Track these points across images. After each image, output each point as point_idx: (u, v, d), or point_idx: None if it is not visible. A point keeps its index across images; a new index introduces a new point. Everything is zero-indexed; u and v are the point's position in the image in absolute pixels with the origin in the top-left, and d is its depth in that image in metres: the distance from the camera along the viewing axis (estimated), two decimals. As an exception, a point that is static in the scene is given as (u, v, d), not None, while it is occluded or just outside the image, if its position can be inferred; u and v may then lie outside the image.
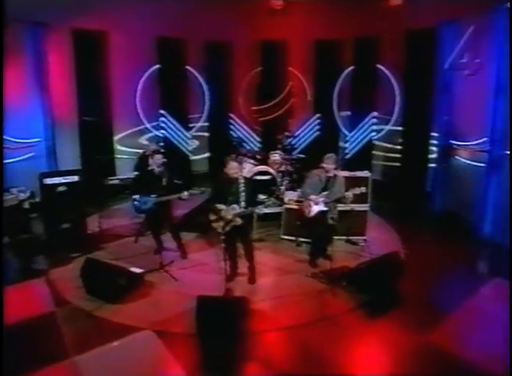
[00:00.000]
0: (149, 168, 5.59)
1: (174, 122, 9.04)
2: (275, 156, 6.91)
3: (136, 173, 6.13)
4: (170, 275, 5.18)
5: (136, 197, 5.51)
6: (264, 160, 7.11)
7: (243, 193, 4.81)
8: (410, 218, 7.08)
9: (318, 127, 9.55)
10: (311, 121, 9.58)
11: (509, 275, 4.92)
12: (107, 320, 4.35)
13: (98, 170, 6.96)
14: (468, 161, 6.69)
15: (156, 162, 5.52)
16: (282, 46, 9.27)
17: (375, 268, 4.82)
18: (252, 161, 7.11)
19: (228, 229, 4.83)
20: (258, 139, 9.95)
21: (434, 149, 7.50)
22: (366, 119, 8.63)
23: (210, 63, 9.16)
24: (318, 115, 9.50)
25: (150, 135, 9.06)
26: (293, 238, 6.18)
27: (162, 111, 8.85)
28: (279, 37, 9.09)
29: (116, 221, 7.02)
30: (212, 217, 4.90)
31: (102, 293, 4.68)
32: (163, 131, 8.98)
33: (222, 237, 4.85)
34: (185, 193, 5.36)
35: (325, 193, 5.19)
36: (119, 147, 8.60)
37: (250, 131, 9.94)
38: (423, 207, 7.36)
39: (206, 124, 9.64)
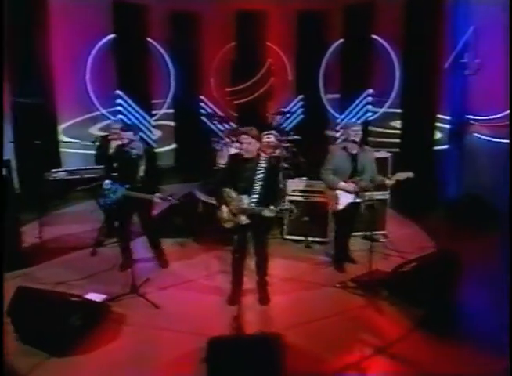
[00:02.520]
0: (125, 148, 4.21)
1: (134, 105, 7.51)
2: (270, 137, 5.65)
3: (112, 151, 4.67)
4: (147, 300, 3.75)
5: (107, 182, 4.14)
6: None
7: (259, 182, 3.48)
8: (425, 208, 6.10)
9: (302, 109, 8.41)
10: (294, 103, 8.42)
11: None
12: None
13: (37, 161, 5.30)
14: (489, 138, 5.84)
15: (127, 143, 4.16)
16: (259, 18, 8.00)
17: (424, 271, 3.72)
18: (238, 145, 5.78)
19: (231, 225, 3.53)
20: (233, 125, 8.63)
21: (445, 127, 6.60)
22: (360, 97, 7.59)
23: (175, 36, 7.72)
24: (301, 96, 8.37)
25: (105, 123, 7.46)
26: (300, 238, 4.99)
27: (118, 92, 7.29)
28: (256, 8, 7.83)
29: (64, 228, 5.44)
30: (216, 204, 3.61)
31: (45, 341, 3.11)
32: (120, 116, 7.41)
33: (235, 237, 3.59)
34: (157, 195, 4.01)
35: (357, 178, 4.02)
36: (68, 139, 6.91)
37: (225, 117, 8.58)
38: (436, 195, 6.41)
39: (171, 111, 8.19)
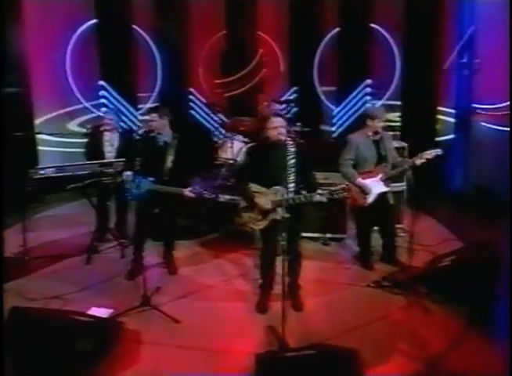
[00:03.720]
0: (151, 134, 3.78)
1: (119, 98, 6.92)
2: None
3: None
4: (164, 314, 3.28)
5: (128, 174, 3.68)
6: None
7: (292, 169, 3.09)
8: (435, 200, 5.89)
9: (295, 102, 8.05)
10: (287, 95, 8.05)
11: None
12: None
13: (17, 157, 4.66)
14: (497, 127, 5.70)
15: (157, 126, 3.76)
16: (250, 6, 7.55)
17: (465, 265, 3.48)
18: (240, 138, 5.38)
19: (265, 224, 3.12)
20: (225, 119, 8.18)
21: (447, 119, 6.46)
22: (359, 88, 7.33)
23: (161, 24, 7.16)
24: (294, 88, 8.01)
25: (87, 117, 6.85)
26: (315, 235, 4.65)
27: (102, 83, 6.69)
28: (246, -5, 7.40)
29: (47, 234, 4.90)
30: (242, 204, 3.17)
31: (51, 373, 2.59)
32: (104, 109, 6.81)
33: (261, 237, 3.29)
34: (189, 188, 3.56)
35: (382, 165, 3.73)
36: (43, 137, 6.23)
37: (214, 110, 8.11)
38: (442, 187, 6.25)
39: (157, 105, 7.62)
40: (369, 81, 7.26)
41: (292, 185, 3.12)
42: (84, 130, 5.01)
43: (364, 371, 2.38)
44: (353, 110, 7.48)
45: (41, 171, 3.95)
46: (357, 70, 7.29)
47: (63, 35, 6.29)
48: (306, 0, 7.42)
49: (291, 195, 3.09)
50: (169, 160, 3.75)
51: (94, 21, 6.41)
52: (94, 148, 4.56)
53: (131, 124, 7.21)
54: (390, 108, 7.15)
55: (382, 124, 3.84)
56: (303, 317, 3.29)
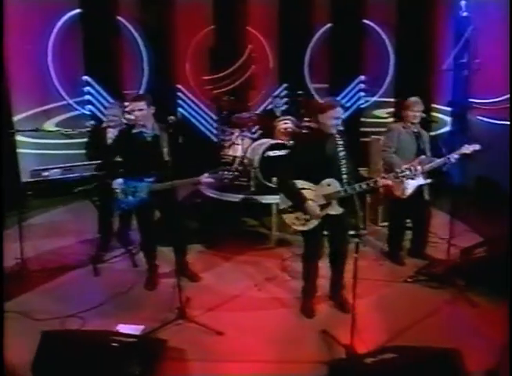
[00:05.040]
0: (134, 130, 3.31)
1: (105, 94, 6.46)
2: (287, 123, 5.09)
3: (112, 141, 3.75)
4: (203, 326, 2.99)
5: (119, 181, 3.20)
6: (267, 131, 5.20)
7: (343, 161, 2.91)
8: (438, 193, 5.95)
9: (286, 99, 7.90)
10: (278, 92, 7.88)
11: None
12: None
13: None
14: (493, 121, 5.84)
15: (140, 117, 3.27)
16: (239, 0, 7.33)
17: (499, 256, 3.48)
18: (249, 135, 5.14)
19: (315, 224, 2.92)
20: (214, 116, 7.88)
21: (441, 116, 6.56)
22: (352, 85, 7.29)
23: (147, 16, 6.76)
24: (285, 85, 7.86)
25: (68, 115, 6.33)
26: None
27: (87, 78, 6.20)
28: (235, -12, 7.16)
29: (41, 244, 4.42)
30: (285, 204, 2.94)
31: None
32: (90, 106, 6.33)
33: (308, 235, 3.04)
34: (206, 174, 3.24)
35: (421, 157, 3.65)
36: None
37: (204, 108, 7.80)
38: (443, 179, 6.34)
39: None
40: (362, 78, 7.26)
41: (345, 176, 2.97)
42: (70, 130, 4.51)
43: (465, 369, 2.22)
44: (346, 106, 7.43)
45: (45, 173, 3.51)
46: (349, 67, 7.26)
47: (45, 25, 5.75)
48: (297, -4, 7.31)
49: (348, 187, 2.94)
50: (165, 153, 3.31)
51: (77, 11, 5.90)
52: (97, 147, 4.14)
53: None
54: (385, 104, 7.27)
55: (418, 114, 3.75)
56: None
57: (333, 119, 2.92)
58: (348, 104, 7.43)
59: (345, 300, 3.24)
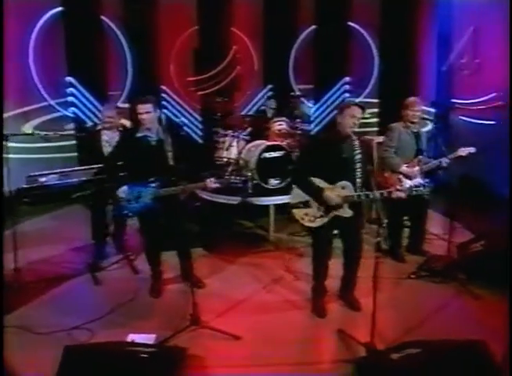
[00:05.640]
0: (138, 134, 3.20)
1: (89, 96, 6.25)
2: (282, 124, 5.08)
3: (115, 146, 3.62)
4: (219, 331, 2.93)
5: (124, 189, 3.12)
6: (259, 132, 5.16)
7: (358, 164, 2.93)
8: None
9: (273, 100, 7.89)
10: (263, 93, 7.88)
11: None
12: None
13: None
14: (475, 120, 6.09)
15: (146, 120, 3.19)
16: (223, 1, 7.27)
17: (495, 249, 3.65)
18: (242, 136, 5.07)
19: (324, 222, 2.92)
20: (199, 118, 7.78)
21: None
22: (337, 86, 7.39)
23: (130, 17, 6.59)
24: (270, 86, 7.87)
25: (45, 118, 6.08)
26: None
27: (70, 79, 5.97)
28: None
29: (34, 251, 4.22)
30: (296, 199, 2.94)
31: None
32: (73, 108, 6.10)
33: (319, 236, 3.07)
34: (212, 179, 3.19)
35: (420, 157, 3.73)
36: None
37: (189, 109, 7.68)
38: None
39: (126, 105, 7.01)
40: (347, 79, 7.37)
41: (359, 180, 2.99)
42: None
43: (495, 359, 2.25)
44: (331, 107, 7.53)
45: (42, 179, 3.33)
46: (334, 68, 7.36)
47: (25, 24, 5.49)
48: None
49: (359, 191, 2.96)
50: (169, 157, 3.25)
51: (59, 9, 5.68)
52: (91, 150, 3.98)
53: (101, 124, 6.54)
54: (369, 104, 7.39)
55: (418, 113, 3.83)
56: (364, 317, 3.14)
57: (351, 118, 2.93)
58: (334, 105, 7.54)
59: (355, 298, 3.27)
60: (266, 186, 4.69)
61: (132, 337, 2.82)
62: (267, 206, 4.67)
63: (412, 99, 3.94)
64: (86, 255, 4.20)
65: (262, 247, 4.51)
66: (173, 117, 7.50)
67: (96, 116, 6.43)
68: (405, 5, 6.53)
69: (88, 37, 6.03)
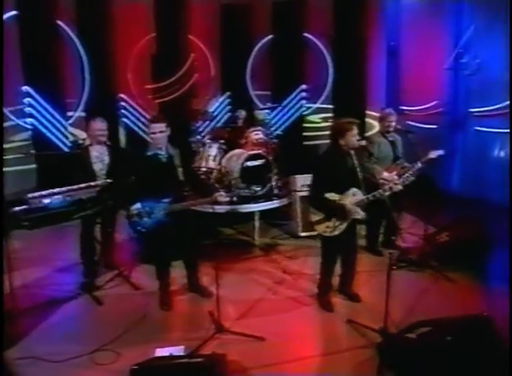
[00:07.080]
0: (150, 152, 3.22)
1: (46, 105, 5.89)
2: (259, 134, 5.24)
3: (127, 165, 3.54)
4: (245, 335, 3.06)
5: (137, 206, 3.09)
6: (235, 141, 5.26)
7: (359, 173, 3.24)
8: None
9: (229, 107, 8.05)
10: (221, 100, 8.00)
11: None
12: None
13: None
14: (420, 125, 6.79)
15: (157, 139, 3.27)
16: (180, 8, 7.25)
17: (460, 238, 4.22)
18: (217, 145, 5.14)
19: (342, 228, 3.20)
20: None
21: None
22: (294, 93, 7.74)
23: (85, 24, 6.33)
24: (228, 93, 8.01)
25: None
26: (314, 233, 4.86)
27: (27, 88, 5.58)
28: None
29: (19, 276, 3.86)
30: (317, 217, 3.15)
31: None
32: (31, 119, 5.71)
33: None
34: (220, 193, 3.31)
35: (397, 163, 4.14)
36: None
37: (148, 117, 7.51)
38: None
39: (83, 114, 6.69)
40: (303, 86, 7.76)
41: (363, 184, 3.32)
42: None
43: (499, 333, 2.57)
44: (289, 113, 7.89)
45: (46, 200, 3.09)
46: (291, 76, 7.70)
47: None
48: (238, 6, 7.51)
49: (365, 194, 3.28)
50: (179, 173, 3.39)
51: (13, 13, 5.29)
52: (80, 167, 3.78)
53: (59, 135, 6.19)
54: (325, 110, 7.87)
55: (393, 123, 4.24)
56: (364, 307, 3.46)
57: (352, 137, 3.26)
58: (291, 111, 7.91)
59: (354, 291, 3.62)
60: (249, 193, 4.83)
61: (161, 351, 2.81)
62: (249, 213, 4.83)
63: (387, 111, 4.35)
64: (73, 276, 4.02)
65: (251, 253, 4.65)
66: (132, 125, 7.36)
67: (54, 126, 6.08)
68: (355, 16, 7.07)
69: (43, 43, 5.69)
